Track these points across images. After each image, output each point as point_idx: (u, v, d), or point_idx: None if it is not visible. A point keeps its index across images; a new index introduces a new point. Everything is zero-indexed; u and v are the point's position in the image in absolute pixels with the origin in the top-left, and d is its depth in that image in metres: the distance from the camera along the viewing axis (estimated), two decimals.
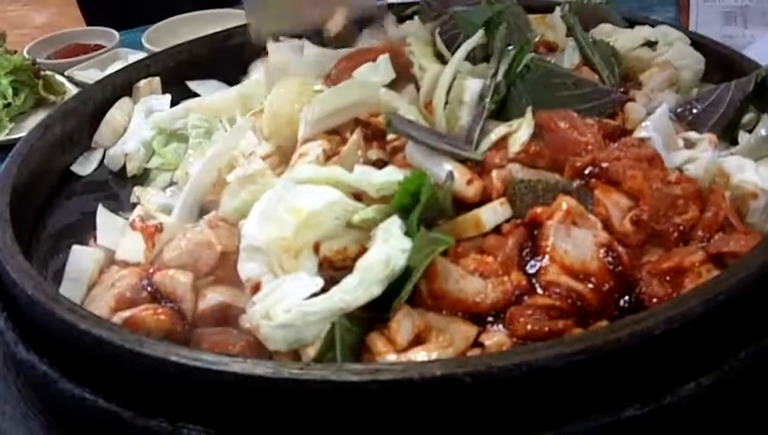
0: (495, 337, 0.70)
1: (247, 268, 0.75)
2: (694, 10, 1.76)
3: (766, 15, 1.71)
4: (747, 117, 1.01)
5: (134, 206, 1.00)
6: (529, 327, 0.70)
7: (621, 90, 0.99)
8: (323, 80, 1.04)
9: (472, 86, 0.91)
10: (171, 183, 1.06)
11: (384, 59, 0.98)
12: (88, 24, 2.55)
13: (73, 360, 0.70)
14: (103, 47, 1.87)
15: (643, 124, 0.91)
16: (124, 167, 1.11)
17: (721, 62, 1.10)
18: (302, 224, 0.74)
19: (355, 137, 0.90)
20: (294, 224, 0.74)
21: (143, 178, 1.10)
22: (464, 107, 0.90)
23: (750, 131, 0.98)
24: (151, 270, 0.82)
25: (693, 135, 0.93)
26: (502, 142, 0.87)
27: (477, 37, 0.98)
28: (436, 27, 1.07)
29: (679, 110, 0.99)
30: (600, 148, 0.85)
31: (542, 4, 1.25)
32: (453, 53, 0.99)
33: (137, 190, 1.03)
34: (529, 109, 0.88)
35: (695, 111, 0.99)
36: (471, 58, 0.98)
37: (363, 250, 0.74)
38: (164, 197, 1.00)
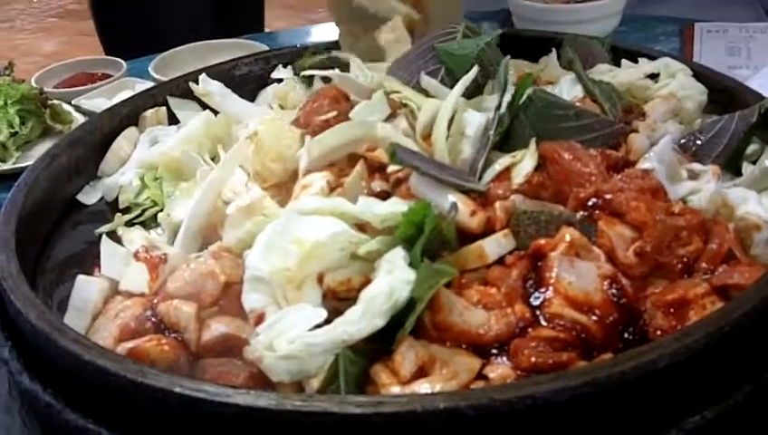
0: (499, 369, 0.70)
1: (251, 299, 0.75)
2: (698, 41, 1.78)
3: None
4: (751, 148, 1.01)
5: None
6: (533, 359, 0.69)
7: (624, 121, 1.00)
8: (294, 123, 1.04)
9: (474, 119, 0.91)
10: (155, 217, 1.05)
11: (379, 95, 0.99)
12: (105, 49, 2.59)
13: (77, 390, 0.70)
14: (110, 76, 1.88)
15: (646, 155, 0.91)
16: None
17: (724, 94, 1.10)
18: (305, 255, 0.74)
19: (359, 168, 0.90)
20: (298, 255, 0.74)
21: (133, 210, 1.08)
22: (466, 140, 0.90)
23: (754, 163, 0.98)
24: (155, 300, 0.82)
25: (696, 166, 0.94)
26: (505, 173, 0.87)
27: (474, 71, 0.99)
28: (417, 66, 1.07)
29: (683, 141, 0.99)
30: (603, 179, 0.85)
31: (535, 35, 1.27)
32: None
33: (119, 230, 1.02)
34: (533, 140, 0.89)
35: (698, 142, 0.99)
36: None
37: (367, 281, 0.74)
38: (146, 236, 1.00)
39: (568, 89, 1.06)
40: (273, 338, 0.70)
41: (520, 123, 0.92)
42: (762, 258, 0.83)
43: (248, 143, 1.01)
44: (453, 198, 0.82)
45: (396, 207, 0.80)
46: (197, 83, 1.21)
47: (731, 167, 0.98)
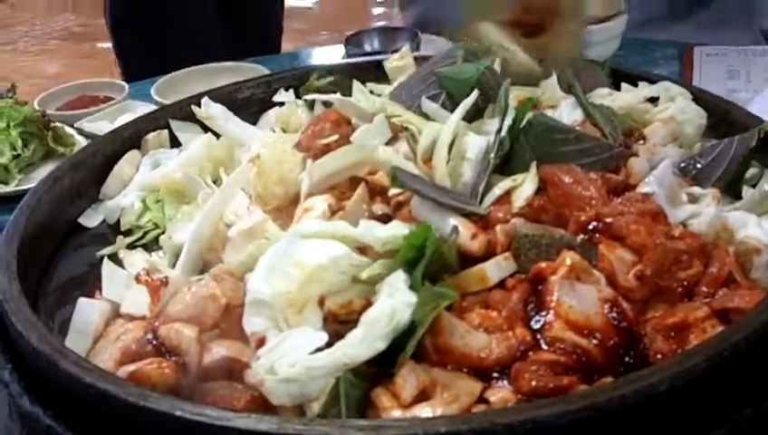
0: (500, 393, 0.70)
1: (252, 322, 0.75)
2: (697, 65, 1.79)
3: None
4: (750, 172, 1.01)
5: None
6: (534, 383, 0.69)
7: (624, 144, 1.00)
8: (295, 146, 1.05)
9: (475, 143, 0.92)
10: (156, 240, 1.06)
11: (380, 119, 1.00)
12: (123, 69, 2.61)
13: (78, 413, 0.70)
14: (113, 99, 1.89)
15: (646, 179, 0.91)
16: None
17: (724, 117, 1.11)
18: (307, 278, 0.74)
19: (360, 191, 0.91)
20: (299, 278, 0.74)
21: (135, 233, 1.09)
22: (466, 163, 0.90)
23: (753, 186, 0.98)
24: (156, 323, 0.82)
25: (696, 190, 0.94)
26: (506, 197, 0.87)
27: (474, 95, 1.00)
28: (418, 90, 1.08)
29: (683, 164, 1.00)
30: (603, 203, 0.85)
31: None
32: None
33: (121, 253, 1.03)
34: (533, 164, 0.89)
35: (698, 165, 0.99)
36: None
37: (368, 304, 0.74)
38: (147, 259, 1.00)
39: (568, 113, 1.07)
40: (274, 361, 0.70)
41: (520, 147, 0.92)
42: (762, 282, 0.83)
43: (250, 166, 1.02)
44: (454, 221, 0.83)
45: (397, 230, 0.80)
46: (200, 106, 1.22)
47: (731, 190, 0.99)
